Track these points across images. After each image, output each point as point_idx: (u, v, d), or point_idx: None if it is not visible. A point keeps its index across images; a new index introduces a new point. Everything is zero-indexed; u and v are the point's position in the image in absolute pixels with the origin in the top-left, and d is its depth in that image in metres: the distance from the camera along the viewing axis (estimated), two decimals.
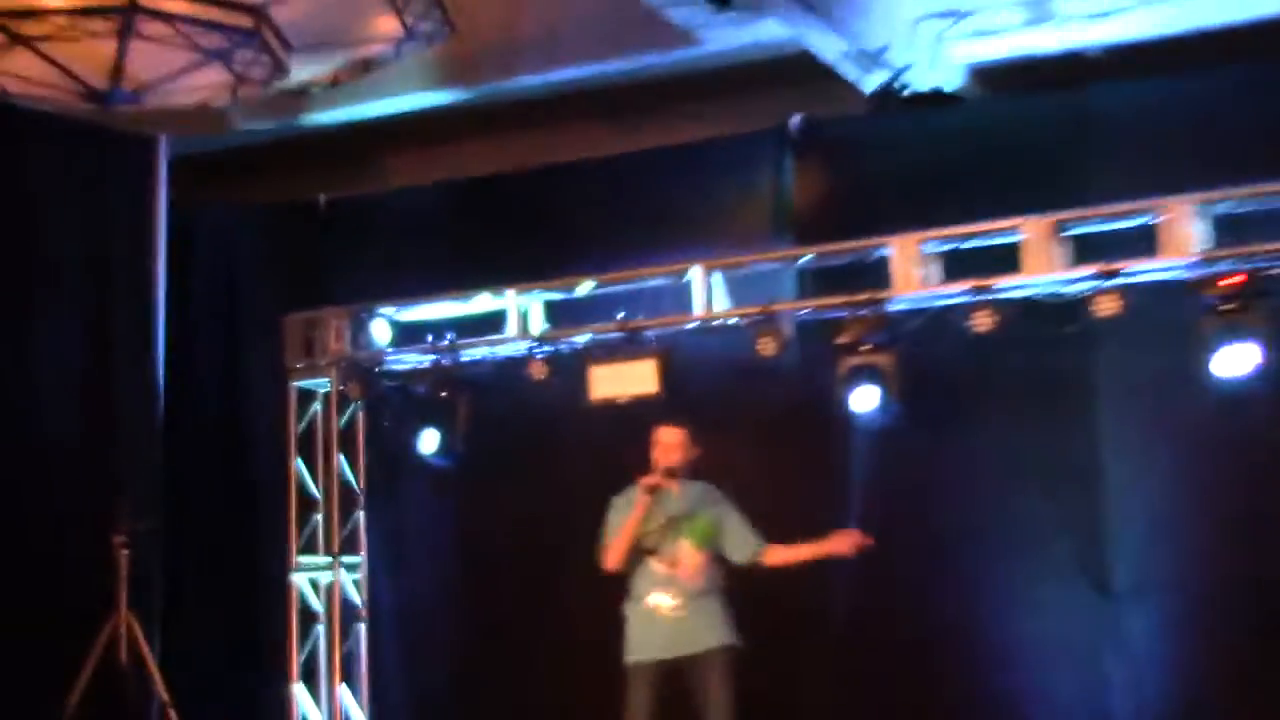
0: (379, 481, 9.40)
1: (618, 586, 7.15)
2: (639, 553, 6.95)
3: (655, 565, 6.94)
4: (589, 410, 8.35)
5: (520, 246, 9.03)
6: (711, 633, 6.88)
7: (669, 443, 7.02)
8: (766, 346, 7.97)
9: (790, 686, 7.99)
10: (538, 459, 8.80)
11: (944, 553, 7.94)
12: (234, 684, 8.99)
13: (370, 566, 9.34)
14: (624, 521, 6.98)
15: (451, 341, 8.87)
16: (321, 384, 9.41)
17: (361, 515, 9.40)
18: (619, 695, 6.98)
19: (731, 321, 8.31)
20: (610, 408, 8.29)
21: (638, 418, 7.95)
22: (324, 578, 9.28)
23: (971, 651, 7.84)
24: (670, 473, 6.94)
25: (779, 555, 6.98)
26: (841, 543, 6.77)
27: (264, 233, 9.57)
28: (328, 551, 9.28)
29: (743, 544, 7.02)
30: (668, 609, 6.86)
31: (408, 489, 9.32)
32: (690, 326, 8.42)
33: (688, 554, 6.92)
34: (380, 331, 9.27)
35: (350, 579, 9.33)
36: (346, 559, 9.31)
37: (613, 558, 7.00)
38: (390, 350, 9.23)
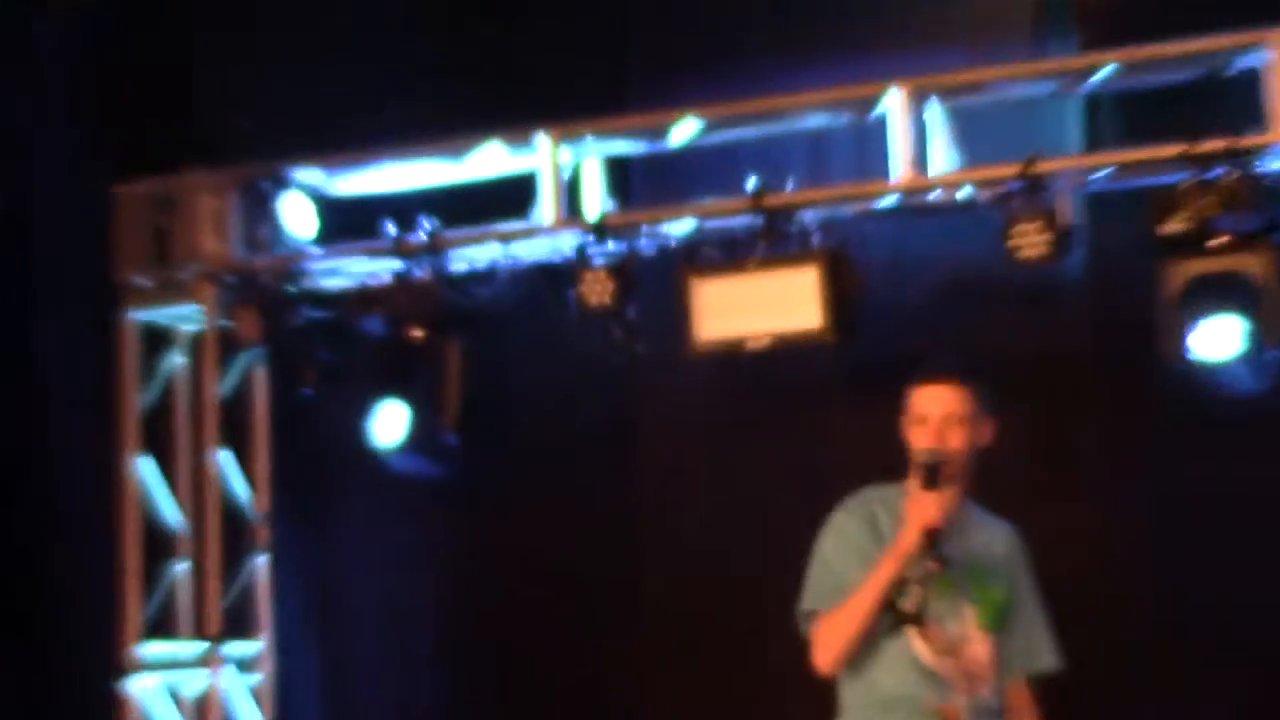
0: (296, 501, 9.57)
1: (775, 676, 7.32)
2: (887, 619, 6.58)
3: (918, 647, 6.59)
4: (690, 366, 8.46)
5: (557, 56, 9.16)
6: None
7: (939, 413, 6.53)
8: (1028, 240, 7.88)
9: None
10: (595, 458, 9.05)
11: None
12: None
13: (280, 660, 9.52)
14: (858, 568, 6.57)
15: (433, 234, 8.85)
16: (185, 315, 9.56)
17: (262, 564, 9.52)
18: None
19: (963, 193, 8.29)
20: (730, 358, 8.35)
21: (786, 377, 8.34)
22: (191, 681, 9.39)
23: None
24: (936, 468, 6.41)
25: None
26: None
27: (78, 33, 9.67)
28: (199, 634, 9.40)
29: (1028, 652, 6.81)
30: None
31: (350, 513, 9.52)
32: (884, 203, 8.43)
33: (975, 638, 6.65)
34: (297, 215, 9.30)
35: (241, 683, 9.38)
36: (234, 647, 9.38)
37: (836, 643, 6.58)
38: (317, 252, 9.28)
